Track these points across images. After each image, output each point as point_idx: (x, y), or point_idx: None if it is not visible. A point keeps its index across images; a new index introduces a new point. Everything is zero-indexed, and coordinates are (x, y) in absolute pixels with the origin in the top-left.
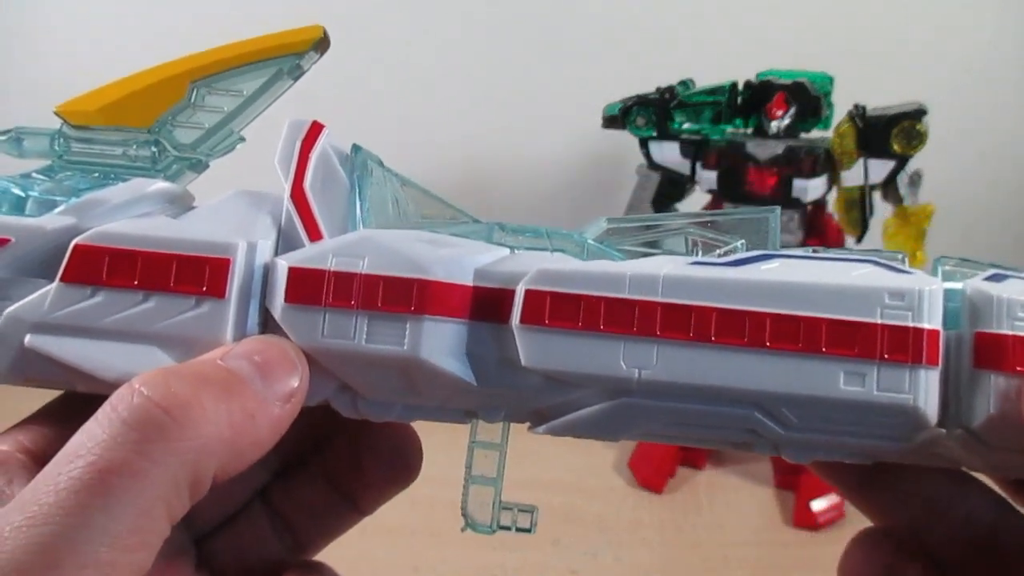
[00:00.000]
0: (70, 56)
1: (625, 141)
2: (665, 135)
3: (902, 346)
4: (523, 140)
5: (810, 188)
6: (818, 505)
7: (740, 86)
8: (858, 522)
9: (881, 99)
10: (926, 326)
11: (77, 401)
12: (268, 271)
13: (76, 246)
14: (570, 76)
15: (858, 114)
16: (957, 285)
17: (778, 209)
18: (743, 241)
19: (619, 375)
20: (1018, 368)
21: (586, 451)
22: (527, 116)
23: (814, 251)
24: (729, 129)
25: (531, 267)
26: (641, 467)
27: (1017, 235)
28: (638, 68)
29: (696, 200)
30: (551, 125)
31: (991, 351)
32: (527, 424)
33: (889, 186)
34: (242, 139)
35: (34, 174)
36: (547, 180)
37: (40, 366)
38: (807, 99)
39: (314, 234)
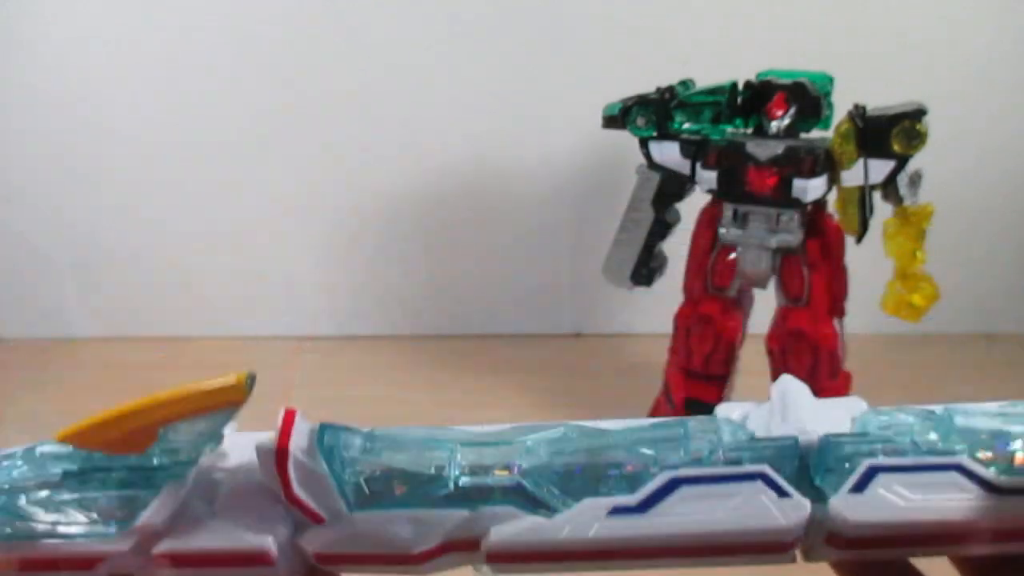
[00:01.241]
0: (66, 56)
1: (625, 141)
2: (665, 135)
3: (779, 550)
4: (523, 140)
5: (810, 188)
6: None
7: (740, 86)
8: None
9: (881, 99)
10: (794, 540)
11: None
12: (295, 549)
13: (156, 555)
14: (570, 76)
15: (858, 114)
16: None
17: (690, 421)
18: (657, 458)
19: None
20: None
21: None
22: (527, 116)
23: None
24: (729, 129)
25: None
26: None
27: (1017, 235)
28: (638, 68)
29: (697, 200)
30: (551, 125)
31: (836, 541)
32: None
33: (889, 186)
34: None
35: (65, 494)
36: (547, 180)
37: None
38: (807, 99)
39: (315, 519)
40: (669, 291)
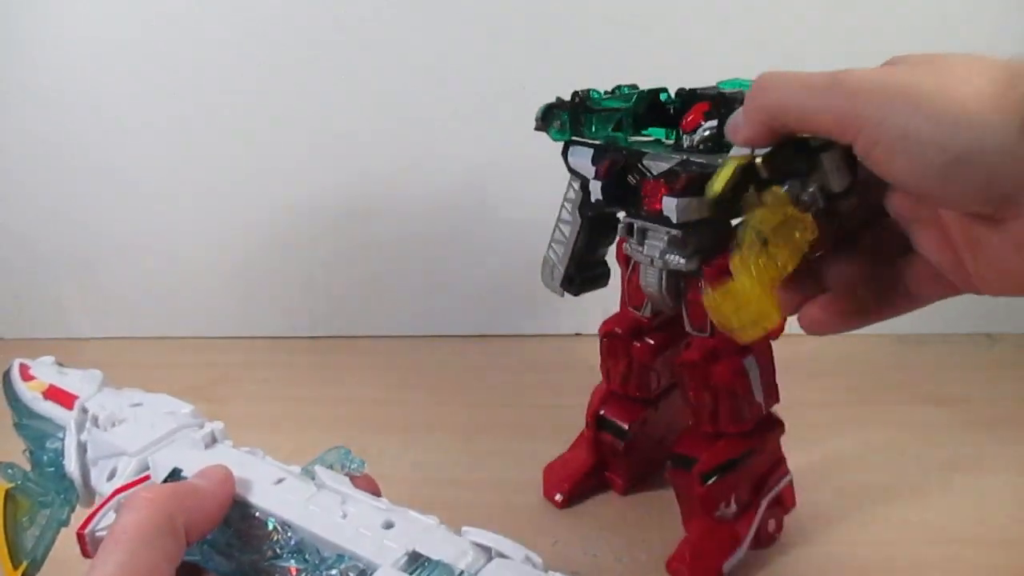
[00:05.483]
0: (64, 54)
1: None
2: (579, 141)
3: None
4: (523, 140)
5: (676, 207)
6: None
7: (673, 94)
8: (858, 523)
9: None
10: None
11: None
12: None
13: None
14: (570, 76)
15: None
16: None
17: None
18: None
19: None
20: None
21: None
22: (526, 116)
23: None
24: (640, 138)
25: None
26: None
27: None
28: (638, 68)
29: None
30: None
31: None
32: None
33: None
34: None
35: None
36: (547, 180)
37: None
38: (730, 111)
39: None
40: None
